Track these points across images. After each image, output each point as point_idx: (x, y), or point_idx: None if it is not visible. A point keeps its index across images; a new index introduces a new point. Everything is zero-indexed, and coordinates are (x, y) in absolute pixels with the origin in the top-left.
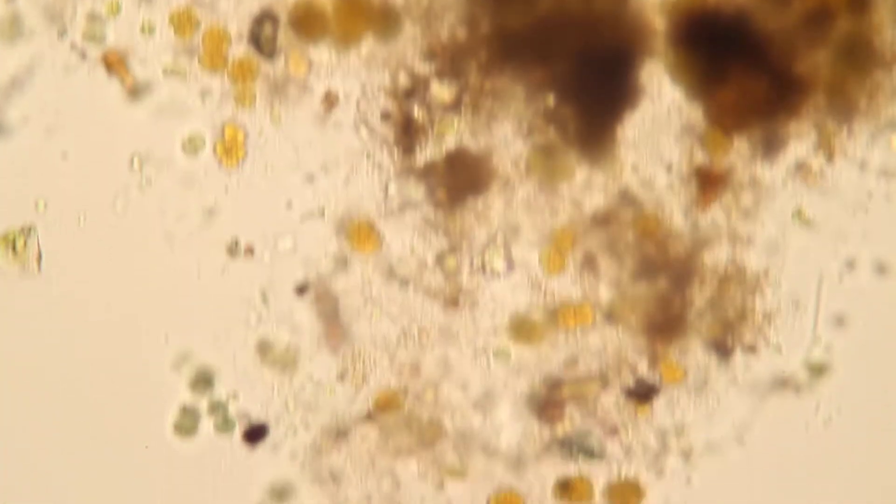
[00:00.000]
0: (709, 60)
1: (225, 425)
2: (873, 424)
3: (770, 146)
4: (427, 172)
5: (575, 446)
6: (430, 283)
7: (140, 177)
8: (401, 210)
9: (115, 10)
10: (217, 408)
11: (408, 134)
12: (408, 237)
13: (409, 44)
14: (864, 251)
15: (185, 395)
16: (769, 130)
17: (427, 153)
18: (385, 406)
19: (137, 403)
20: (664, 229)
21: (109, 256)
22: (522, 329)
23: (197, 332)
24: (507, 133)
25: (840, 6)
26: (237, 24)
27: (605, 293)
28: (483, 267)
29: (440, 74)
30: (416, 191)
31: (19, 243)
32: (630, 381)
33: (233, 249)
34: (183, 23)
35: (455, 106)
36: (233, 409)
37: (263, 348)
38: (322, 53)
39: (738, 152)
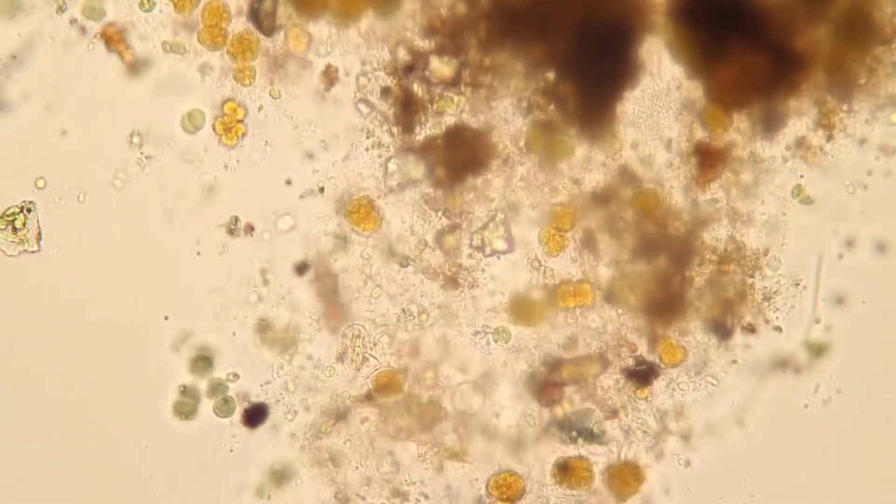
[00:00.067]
0: (708, 37)
1: (224, 406)
2: (873, 404)
3: (770, 123)
4: (427, 150)
5: (574, 428)
6: (429, 263)
7: (139, 154)
8: (400, 188)
9: None
10: (217, 388)
11: (407, 111)
12: (407, 215)
13: (409, 20)
14: (864, 229)
15: (184, 376)
16: (769, 107)
17: (427, 130)
18: (385, 387)
19: (136, 384)
20: (664, 207)
21: (109, 234)
22: (522, 309)
23: (196, 311)
24: (506, 110)
25: None
26: (236, 0)
27: (604, 273)
28: (483, 246)
29: (440, 51)
30: (416, 169)
31: (19, 221)
32: (630, 362)
33: (232, 228)
34: None
35: (455, 82)
36: (232, 390)
37: (263, 328)
38: (322, 29)
39: (738, 129)
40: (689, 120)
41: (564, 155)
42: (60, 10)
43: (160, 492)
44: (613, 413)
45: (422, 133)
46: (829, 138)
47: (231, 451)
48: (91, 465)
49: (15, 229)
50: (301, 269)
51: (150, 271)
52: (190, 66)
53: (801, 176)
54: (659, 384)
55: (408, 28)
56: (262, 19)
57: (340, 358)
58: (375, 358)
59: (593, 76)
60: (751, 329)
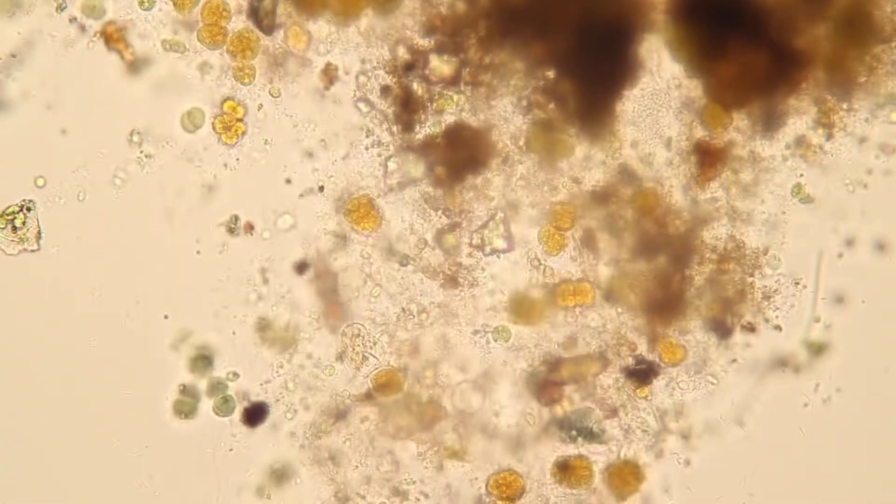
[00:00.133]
0: (708, 36)
1: (224, 405)
2: (873, 403)
3: (770, 122)
4: (426, 148)
5: (574, 427)
6: (429, 261)
7: (139, 153)
8: (400, 187)
9: None
10: (216, 387)
11: (407, 109)
12: (407, 214)
13: (409, 18)
14: (863, 228)
15: (184, 375)
16: (769, 106)
17: (426, 129)
18: (384, 386)
19: (136, 383)
20: (663, 206)
21: (109, 233)
22: (522, 308)
23: (196, 310)
24: (506, 108)
25: None
26: None
27: (604, 271)
28: (482, 245)
29: (440, 49)
30: (416, 167)
31: (19, 220)
32: (629, 361)
33: (232, 227)
34: None
35: (455, 81)
36: (232, 389)
37: (263, 327)
38: (321, 28)
39: (738, 128)
40: (689, 119)
41: (564, 154)
42: (60, 8)
43: (160, 491)
44: (613, 412)
45: (421, 132)
46: (829, 137)
47: (231, 450)
48: (91, 464)
49: (15, 228)
50: (301, 267)
51: (149, 270)
52: (190, 64)
53: (801, 175)
54: (659, 383)
55: (407, 26)
56: (261, 17)
57: (340, 357)
58: (375, 357)
59: (593, 75)
60: (750, 328)
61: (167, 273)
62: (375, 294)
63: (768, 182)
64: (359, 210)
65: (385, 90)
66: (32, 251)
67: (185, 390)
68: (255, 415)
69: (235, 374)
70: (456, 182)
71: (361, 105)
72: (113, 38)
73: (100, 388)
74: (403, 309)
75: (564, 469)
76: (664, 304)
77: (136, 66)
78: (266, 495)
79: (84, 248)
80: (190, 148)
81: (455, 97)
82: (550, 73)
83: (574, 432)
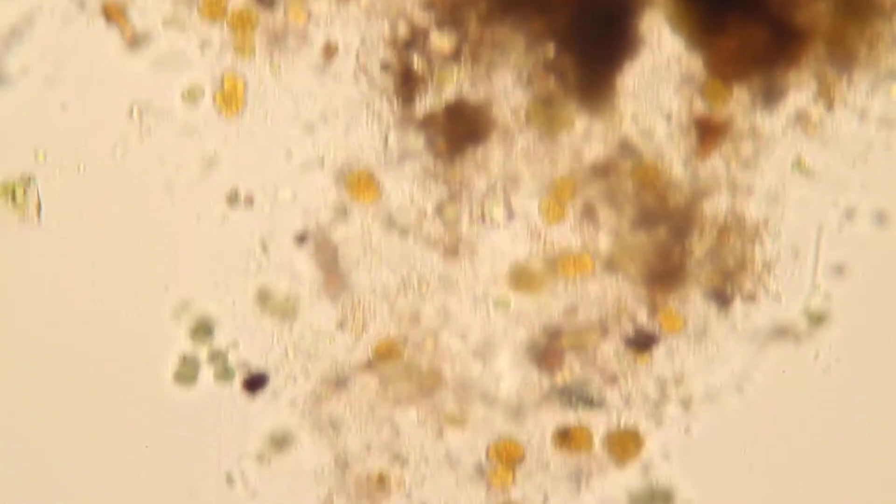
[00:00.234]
0: (708, 9)
1: (225, 374)
2: (872, 373)
3: (770, 96)
4: (427, 122)
5: (574, 395)
6: (429, 233)
7: (140, 127)
8: (400, 160)
9: None
10: (217, 356)
11: (407, 84)
12: (407, 187)
13: None
14: (863, 200)
15: (184, 344)
16: (769, 80)
17: (427, 103)
18: (385, 355)
19: (137, 352)
20: (664, 179)
21: (109, 206)
22: (522, 278)
23: (197, 281)
24: (506, 83)
25: None
26: None
27: (604, 242)
28: (483, 216)
29: (440, 24)
30: (416, 141)
31: (19, 193)
32: (629, 330)
33: (232, 199)
34: None
35: (455, 56)
36: (232, 358)
37: (263, 297)
38: (321, 3)
39: (738, 102)
40: (689, 93)
41: (564, 127)
42: None
43: (161, 457)
44: (613, 380)
45: (422, 106)
46: (829, 110)
47: (231, 417)
48: (92, 434)
49: (15, 201)
50: (301, 239)
51: (150, 242)
52: (190, 39)
53: (801, 148)
54: (659, 352)
55: (408, 2)
56: None
57: (340, 326)
58: (375, 326)
59: (593, 49)
60: (751, 297)
61: (168, 244)
62: (376, 264)
63: (768, 155)
64: (359, 183)
65: (385, 65)
66: (33, 224)
67: (186, 360)
68: (255, 383)
69: (236, 344)
70: (456, 155)
71: (361, 80)
72: (113, 13)
73: (101, 358)
74: (403, 279)
75: (564, 436)
76: (664, 275)
77: (136, 41)
78: (266, 461)
79: (84, 221)
80: (190, 122)
81: (455, 72)
82: (550, 48)
83: (574, 400)
